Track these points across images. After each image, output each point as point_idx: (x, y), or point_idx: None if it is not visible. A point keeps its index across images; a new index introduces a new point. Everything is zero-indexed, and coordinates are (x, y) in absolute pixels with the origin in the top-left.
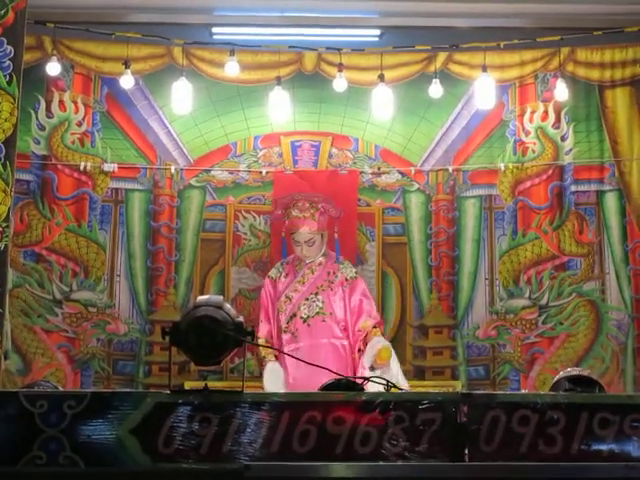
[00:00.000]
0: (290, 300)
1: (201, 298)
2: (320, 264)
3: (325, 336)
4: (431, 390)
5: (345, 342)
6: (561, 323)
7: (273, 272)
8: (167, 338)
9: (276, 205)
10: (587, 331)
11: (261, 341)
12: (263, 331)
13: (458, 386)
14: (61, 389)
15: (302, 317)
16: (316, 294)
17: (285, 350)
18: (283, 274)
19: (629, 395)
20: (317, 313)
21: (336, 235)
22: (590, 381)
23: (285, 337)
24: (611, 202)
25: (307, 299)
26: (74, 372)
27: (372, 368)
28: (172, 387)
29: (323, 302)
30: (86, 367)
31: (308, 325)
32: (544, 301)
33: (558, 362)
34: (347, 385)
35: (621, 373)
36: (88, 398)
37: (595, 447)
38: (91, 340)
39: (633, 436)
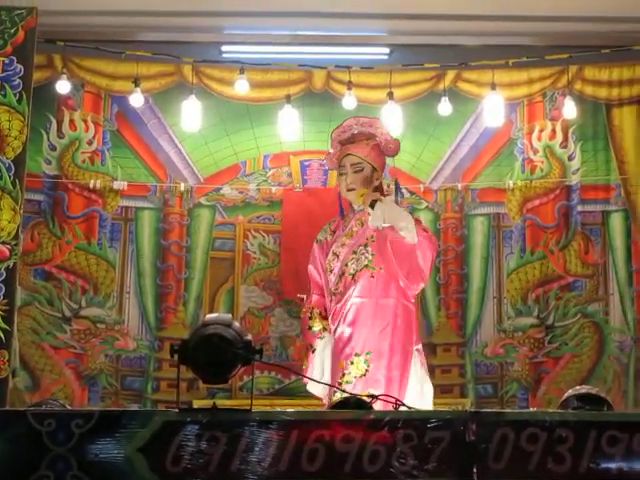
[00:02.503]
0: (337, 257)
1: (210, 316)
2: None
3: (372, 294)
4: (440, 408)
5: (391, 301)
6: (566, 343)
7: (320, 234)
8: (175, 356)
9: (333, 142)
10: (590, 352)
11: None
12: (311, 299)
13: (467, 404)
14: (69, 407)
15: (350, 273)
16: (365, 246)
17: (330, 308)
18: (329, 232)
19: (638, 413)
20: (365, 266)
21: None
22: (599, 399)
23: (333, 300)
24: (617, 223)
25: (355, 252)
26: (82, 388)
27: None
28: (180, 405)
29: (373, 255)
30: (94, 383)
31: (355, 281)
32: (550, 321)
33: (563, 382)
34: (356, 403)
35: (623, 394)
36: (96, 417)
37: (604, 465)
38: (99, 356)
39: None
